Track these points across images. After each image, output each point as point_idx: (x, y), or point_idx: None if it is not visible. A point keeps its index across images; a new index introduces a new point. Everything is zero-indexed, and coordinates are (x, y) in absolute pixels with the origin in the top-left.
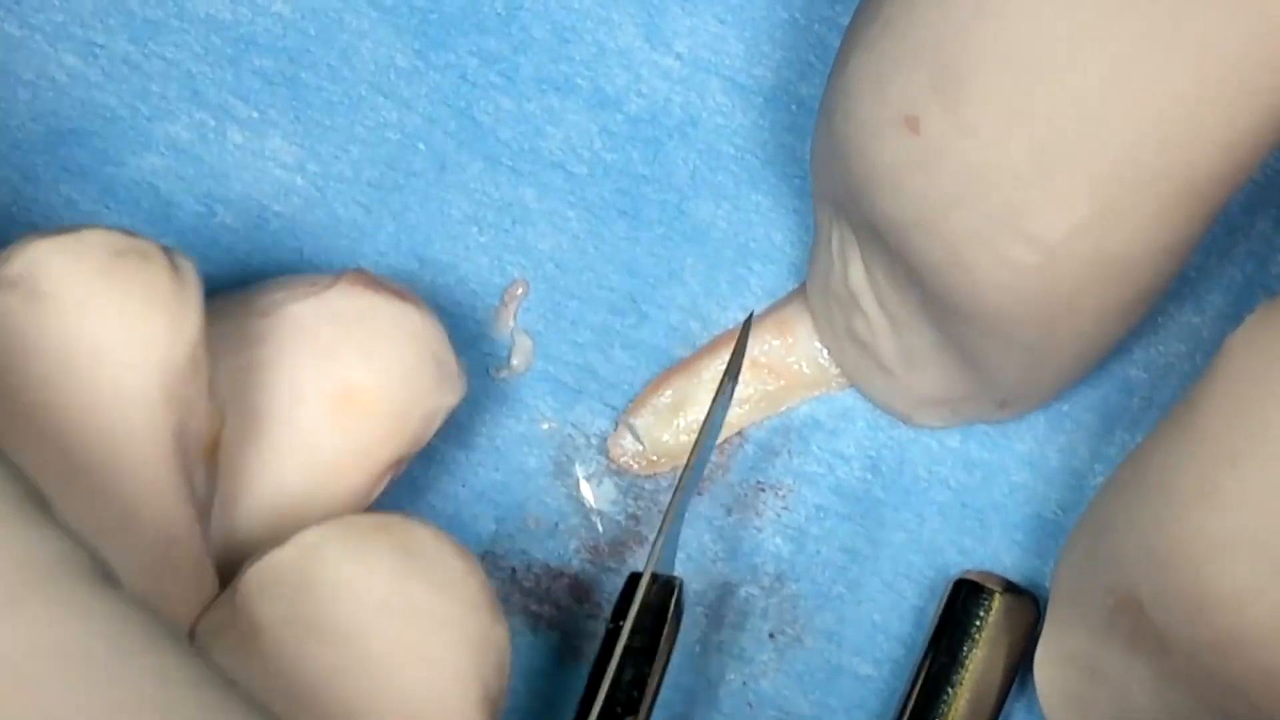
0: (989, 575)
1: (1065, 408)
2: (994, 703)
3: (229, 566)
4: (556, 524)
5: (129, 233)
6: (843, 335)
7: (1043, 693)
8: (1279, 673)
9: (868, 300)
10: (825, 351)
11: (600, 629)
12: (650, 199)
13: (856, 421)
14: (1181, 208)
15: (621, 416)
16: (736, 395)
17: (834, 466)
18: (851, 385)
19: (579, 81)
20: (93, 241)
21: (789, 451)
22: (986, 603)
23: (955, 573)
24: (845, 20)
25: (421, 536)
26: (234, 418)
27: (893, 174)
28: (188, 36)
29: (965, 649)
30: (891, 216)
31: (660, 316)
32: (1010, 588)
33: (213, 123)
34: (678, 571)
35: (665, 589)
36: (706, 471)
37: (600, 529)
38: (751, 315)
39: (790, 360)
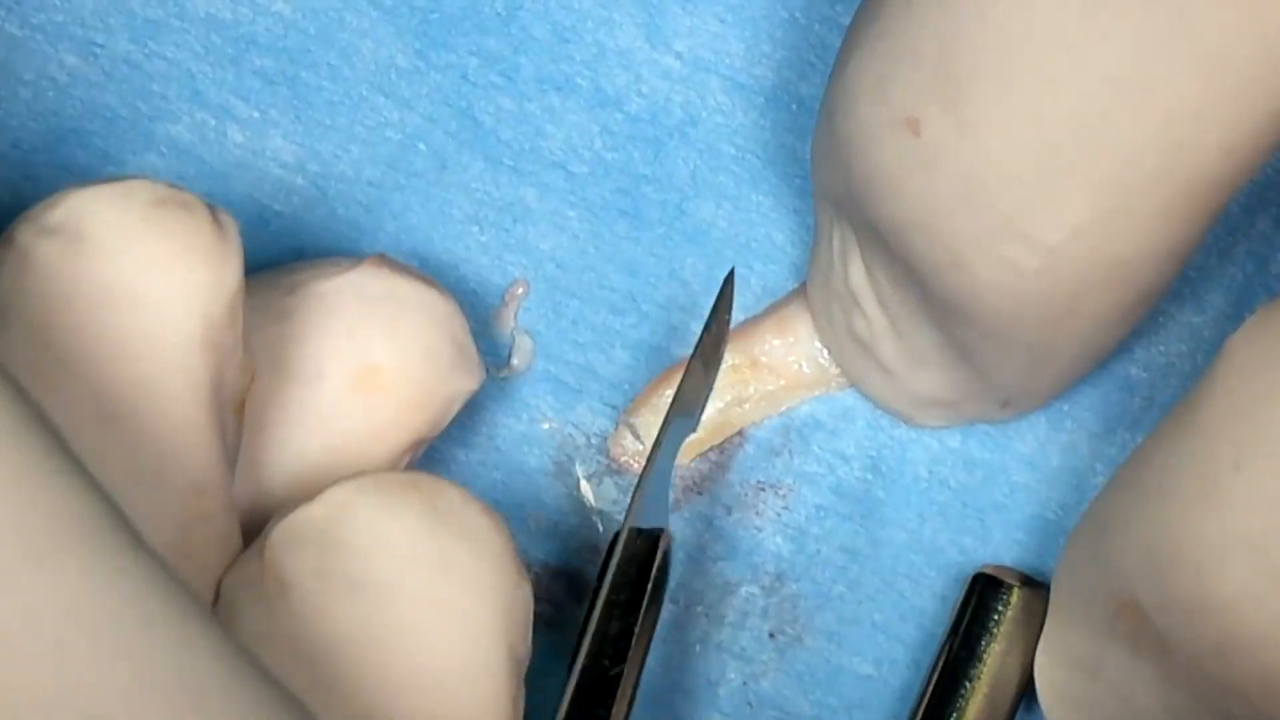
0: (1007, 569)
1: (1066, 407)
2: (1013, 695)
3: (250, 528)
4: (556, 524)
5: (171, 184)
6: (843, 335)
7: (1043, 693)
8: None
9: (868, 300)
10: (825, 351)
11: None
12: (651, 199)
13: (857, 421)
14: (1182, 210)
15: (622, 416)
16: (736, 395)
17: (834, 466)
18: (852, 385)
19: (579, 81)
20: (135, 190)
21: (789, 451)
22: (1005, 597)
23: (955, 573)
24: (845, 20)
25: (450, 494)
26: (259, 387)
27: (893, 175)
28: (188, 36)
29: (983, 643)
30: (892, 217)
31: (660, 316)
32: (1028, 581)
33: (213, 122)
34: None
35: (651, 541)
36: (706, 471)
37: (600, 529)
38: (733, 271)
39: (790, 360)
